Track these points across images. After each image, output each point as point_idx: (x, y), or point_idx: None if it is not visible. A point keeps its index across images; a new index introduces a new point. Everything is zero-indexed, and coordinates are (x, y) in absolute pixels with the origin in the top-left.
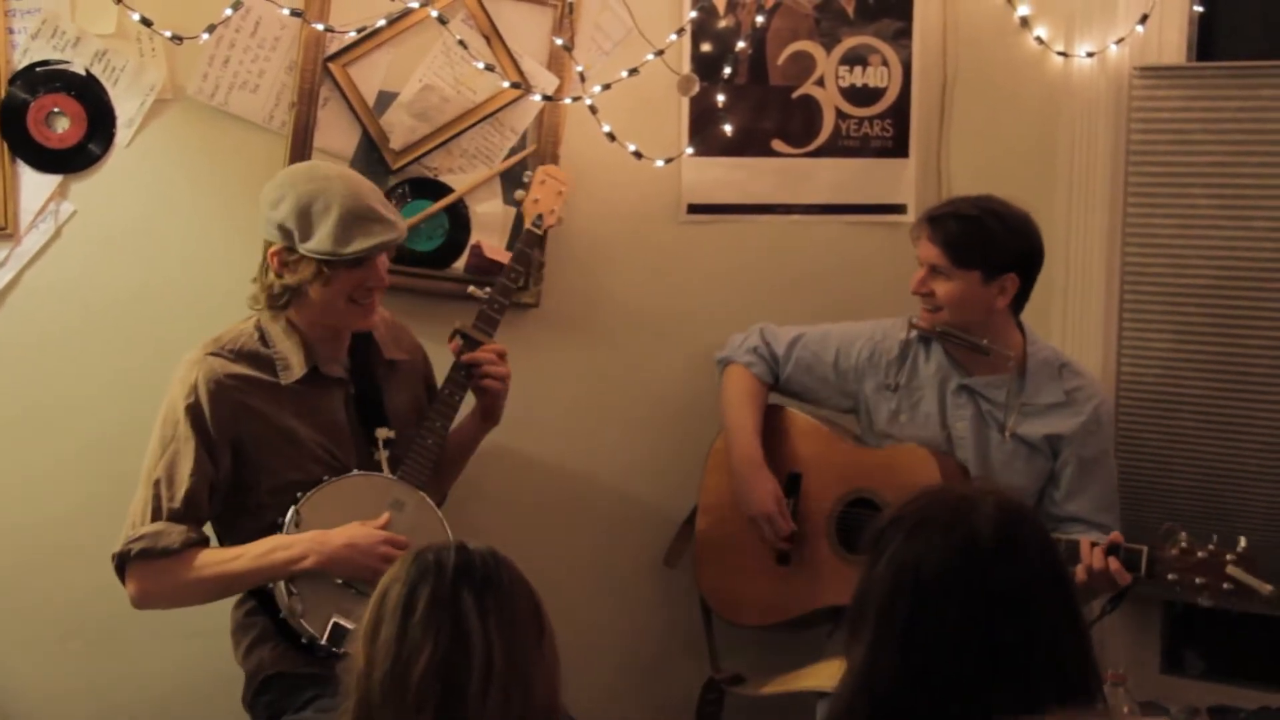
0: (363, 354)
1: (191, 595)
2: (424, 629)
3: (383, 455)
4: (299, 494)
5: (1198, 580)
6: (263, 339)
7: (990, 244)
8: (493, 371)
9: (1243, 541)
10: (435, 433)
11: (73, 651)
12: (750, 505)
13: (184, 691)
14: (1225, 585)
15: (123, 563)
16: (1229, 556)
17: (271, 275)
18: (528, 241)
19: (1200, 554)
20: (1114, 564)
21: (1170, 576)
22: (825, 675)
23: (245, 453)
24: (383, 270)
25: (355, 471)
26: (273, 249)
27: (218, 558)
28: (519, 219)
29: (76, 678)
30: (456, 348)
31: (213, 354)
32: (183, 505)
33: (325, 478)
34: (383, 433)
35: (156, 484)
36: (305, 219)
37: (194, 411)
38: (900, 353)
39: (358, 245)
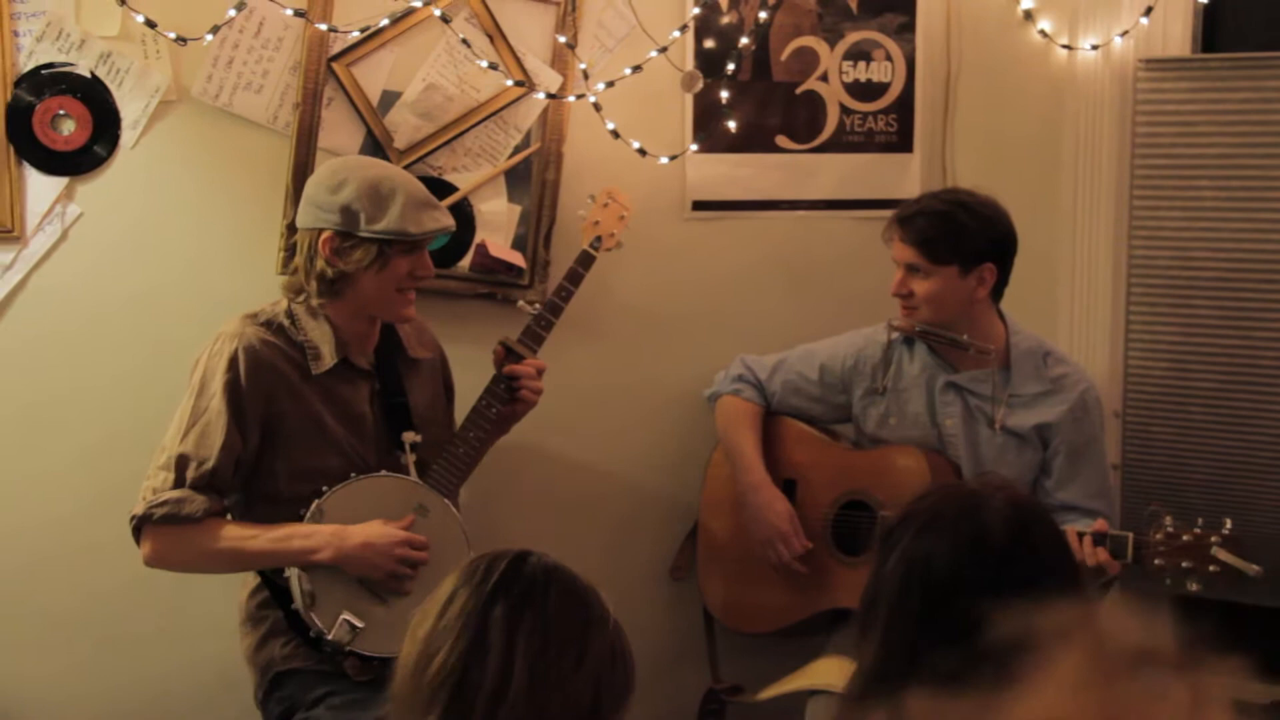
0: (387, 350)
1: (204, 564)
2: (448, 631)
3: (410, 459)
4: (324, 487)
5: (1184, 564)
6: (294, 324)
7: (963, 236)
8: (531, 385)
9: (1228, 523)
10: (468, 443)
11: (81, 653)
12: (762, 528)
13: (193, 692)
14: (1212, 568)
15: (141, 524)
16: (1214, 538)
17: (321, 263)
18: (583, 262)
19: (1186, 537)
20: (1101, 553)
21: (1157, 561)
22: (816, 674)
23: (273, 432)
24: (429, 260)
25: (383, 472)
26: (325, 235)
27: (236, 533)
28: (524, 217)
29: (85, 679)
30: (499, 358)
31: (252, 326)
32: (208, 477)
33: (353, 475)
34: (410, 436)
35: (183, 455)
36: (376, 200)
37: (232, 387)
38: (884, 356)
39: (428, 225)
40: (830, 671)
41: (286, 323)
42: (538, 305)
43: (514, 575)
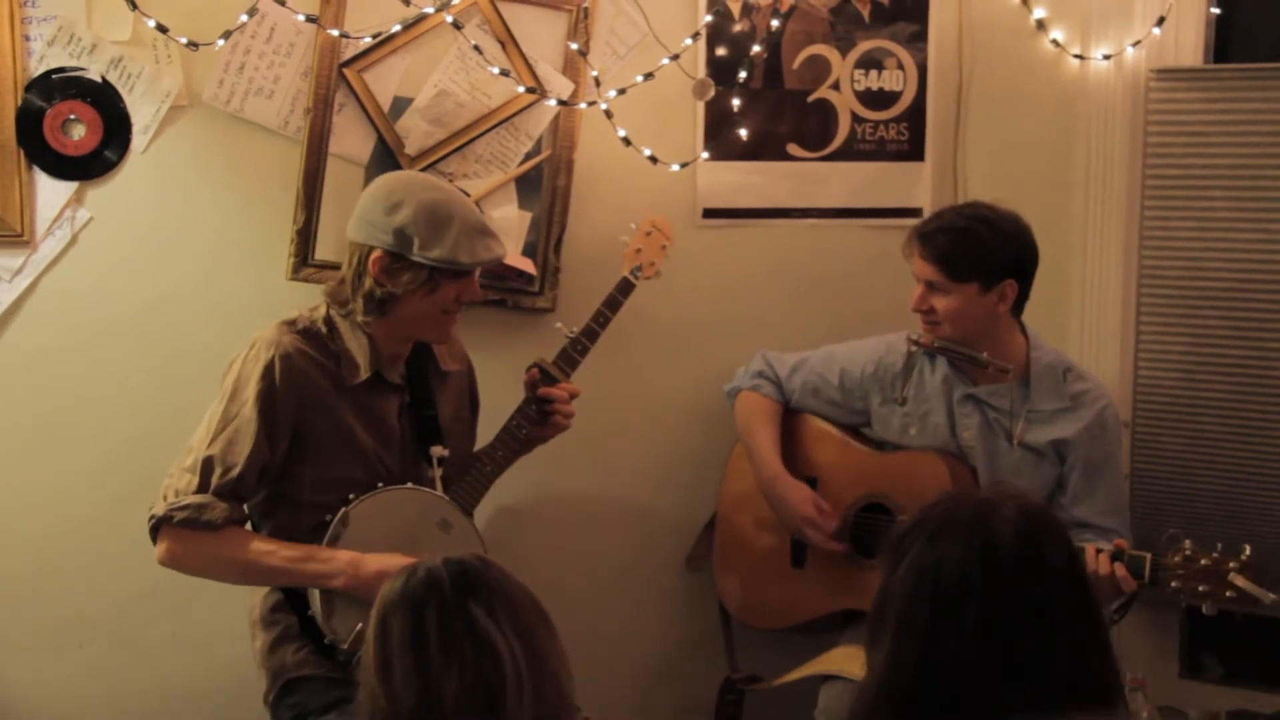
0: (419, 363)
1: (218, 572)
2: (444, 655)
3: (436, 473)
4: (351, 495)
5: (1201, 588)
6: (331, 333)
7: (984, 253)
8: (563, 410)
9: (1247, 549)
10: (495, 461)
11: (94, 657)
12: (789, 518)
13: (206, 697)
14: (1228, 594)
15: (160, 524)
16: (1232, 564)
17: (370, 282)
18: (622, 289)
19: (1204, 561)
20: (1120, 570)
21: (1173, 584)
22: (832, 662)
23: (302, 441)
24: (478, 285)
25: (409, 484)
26: (375, 255)
27: (254, 546)
28: (534, 223)
29: (98, 683)
30: (533, 380)
31: (289, 334)
32: (232, 484)
33: (380, 485)
34: (438, 450)
35: (210, 459)
36: (432, 226)
37: (265, 396)
38: (905, 366)
39: (481, 255)
40: (845, 659)
41: (324, 330)
42: (574, 329)
43: (464, 575)
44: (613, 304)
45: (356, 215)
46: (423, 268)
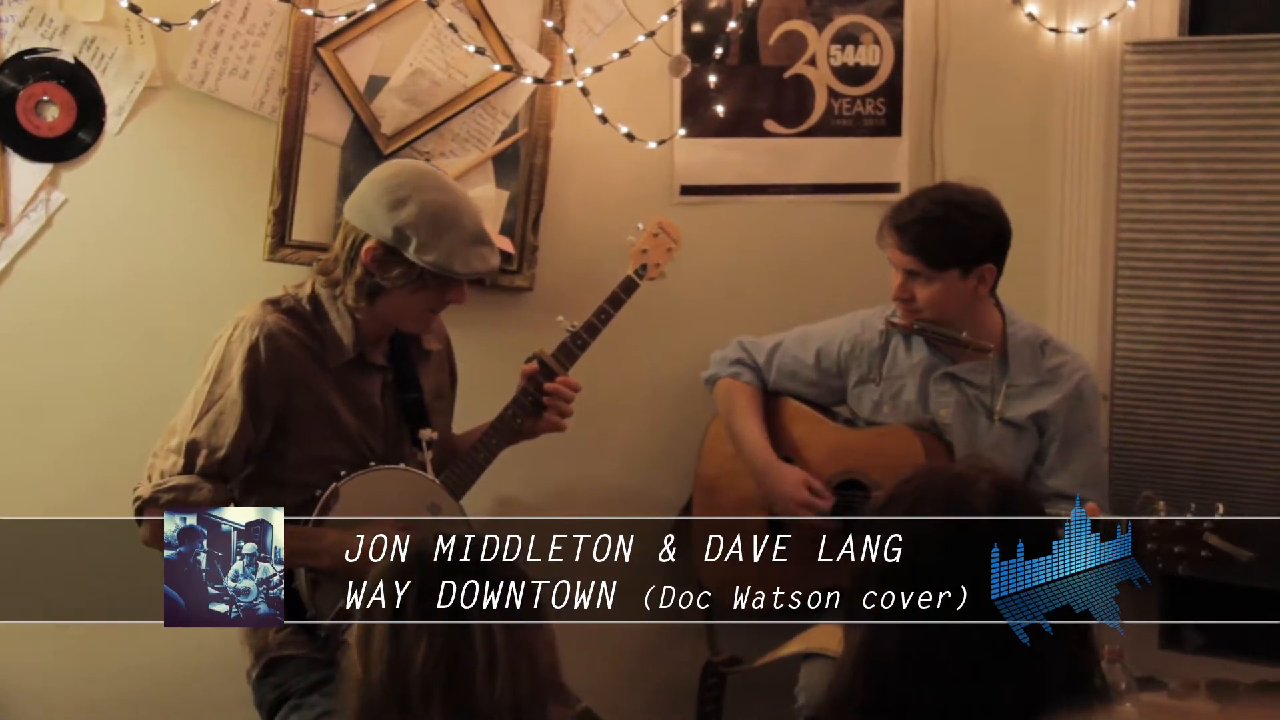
0: (402, 342)
1: None
2: (418, 627)
3: (426, 456)
4: (342, 472)
5: (1176, 549)
6: (316, 312)
7: (962, 240)
8: (563, 409)
9: (1220, 508)
10: (489, 449)
11: (72, 640)
12: (784, 503)
13: (186, 678)
14: (1204, 553)
15: (145, 505)
16: (1207, 524)
17: (360, 269)
18: (626, 288)
19: (1178, 523)
20: None
21: (1149, 546)
22: (811, 639)
23: (286, 421)
24: (465, 290)
25: (402, 466)
26: (369, 245)
27: None
28: (512, 202)
29: (77, 666)
30: (532, 372)
31: (273, 313)
32: (218, 465)
33: (373, 464)
34: (426, 434)
35: (195, 441)
36: (433, 230)
37: (250, 377)
38: (881, 345)
39: (476, 266)
40: (825, 636)
41: (308, 309)
42: (575, 324)
43: (450, 555)
44: (615, 301)
45: (358, 199)
46: (415, 267)
